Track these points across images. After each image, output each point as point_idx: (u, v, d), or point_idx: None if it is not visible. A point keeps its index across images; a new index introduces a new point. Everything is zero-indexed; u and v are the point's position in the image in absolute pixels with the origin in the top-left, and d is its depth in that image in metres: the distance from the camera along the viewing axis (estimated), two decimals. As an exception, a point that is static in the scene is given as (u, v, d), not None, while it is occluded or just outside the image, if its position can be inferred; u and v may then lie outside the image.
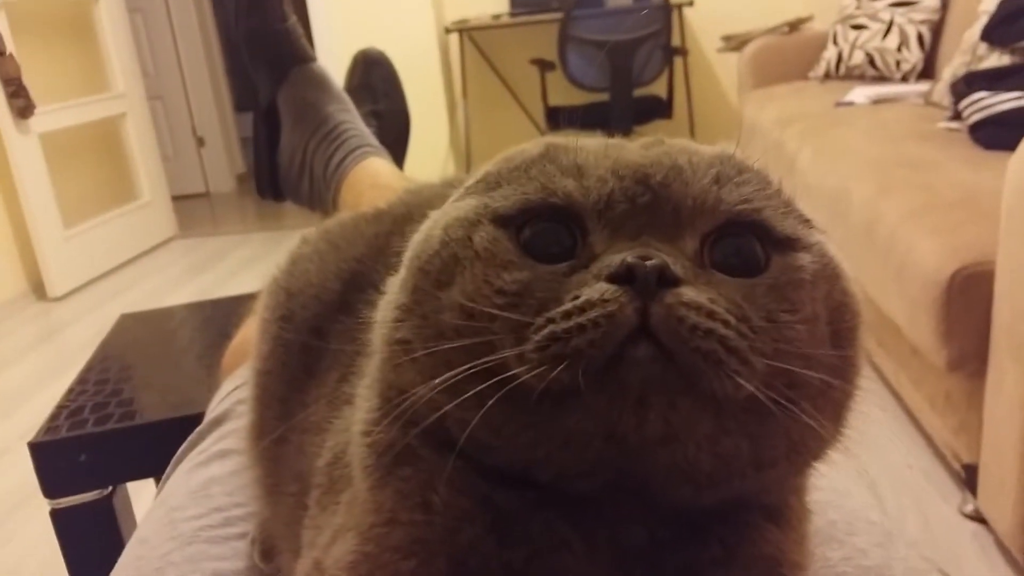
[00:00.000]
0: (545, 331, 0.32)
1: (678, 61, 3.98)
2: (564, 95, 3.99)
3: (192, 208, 5.08)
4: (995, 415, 1.39)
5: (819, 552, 0.52)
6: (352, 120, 1.36)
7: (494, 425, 0.34)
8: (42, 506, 1.06)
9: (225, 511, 0.65)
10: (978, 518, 1.52)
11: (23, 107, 3.38)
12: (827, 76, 3.27)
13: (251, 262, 3.85)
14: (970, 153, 1.96)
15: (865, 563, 0.52)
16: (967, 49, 2.39)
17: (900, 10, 3.06)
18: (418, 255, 0.38)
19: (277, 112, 1.38)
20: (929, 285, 1.46)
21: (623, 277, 0.32)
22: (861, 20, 3.18)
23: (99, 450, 1.13)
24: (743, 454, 0.34)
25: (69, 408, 1.19)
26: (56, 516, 1.07)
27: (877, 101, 2.74)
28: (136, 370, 1.32)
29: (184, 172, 5.40)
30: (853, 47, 3.16)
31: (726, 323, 0.31)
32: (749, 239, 0.36)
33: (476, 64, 4.52)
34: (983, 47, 2.27)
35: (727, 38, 3.85)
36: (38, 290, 3.58)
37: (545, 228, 0.36)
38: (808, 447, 0.36)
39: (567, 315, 0.32)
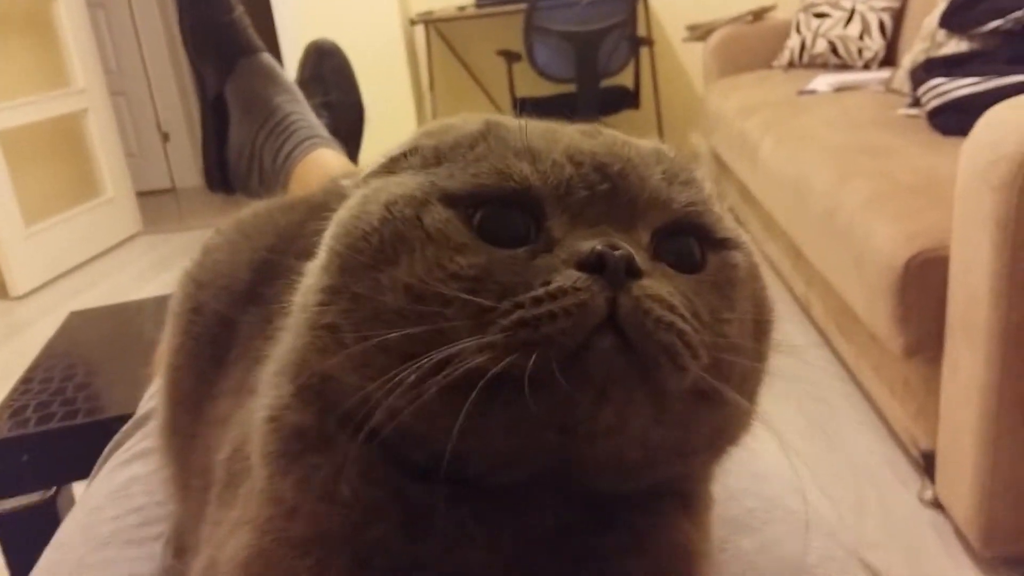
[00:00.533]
0: (513, 316, 0.31)
1: (644, 51, 3.97)
2: (532, 86, 3.98)
3: (158, 204, 5.03)
4: (951, 401, 1.40)
5: (733, 541, 0.51)
6: (301, 111, 1.33)
7: (430, 414, 0.32)
8: (-18, 510, 1.04)
9: (144, 511, 0.63)
10: (937, 505, 1.52)
11: (-21, 103, 3.32)
12: (791, 65, 3.28)
13: (216, 258, 3.80)
14: (929, 139, 1.97)
15: (779, 553, 0.51)
16: (926, 36, 2.39)
17: (862, -2, 3.08)
18: (347, 232, 0.36)
19: (225, 105, 1.36)
20: (886, 271, 1.46)
21: (593, 265, 0.32)
22: (823, 8, 3.19)
23: (42, 450, 1.11)
24: (672, 443, 0.34)
25: (12, 408, 1.16)
26: (-2, 519, 1.05)
27: (839, 89, 2.74)
28: (81, 368, 1.29)
29: (149, 168, 5.35)
30: (816, 35, 3.17)
31: (683, 317, 0.32)
32: (689, 237, 0.37)
33: (442, 56, 4.50)
34: (942, 33, 2.27)
35: (692, 27, 3.85)
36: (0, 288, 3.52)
37: (500, 212, 0.35)
38: (730, 432, 0.37)
39: (537, 301, 0.31)
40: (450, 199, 0.36)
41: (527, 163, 0.36)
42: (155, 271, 3.80)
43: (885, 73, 2.79)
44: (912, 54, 2.47)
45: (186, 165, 5.51)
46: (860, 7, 3.06)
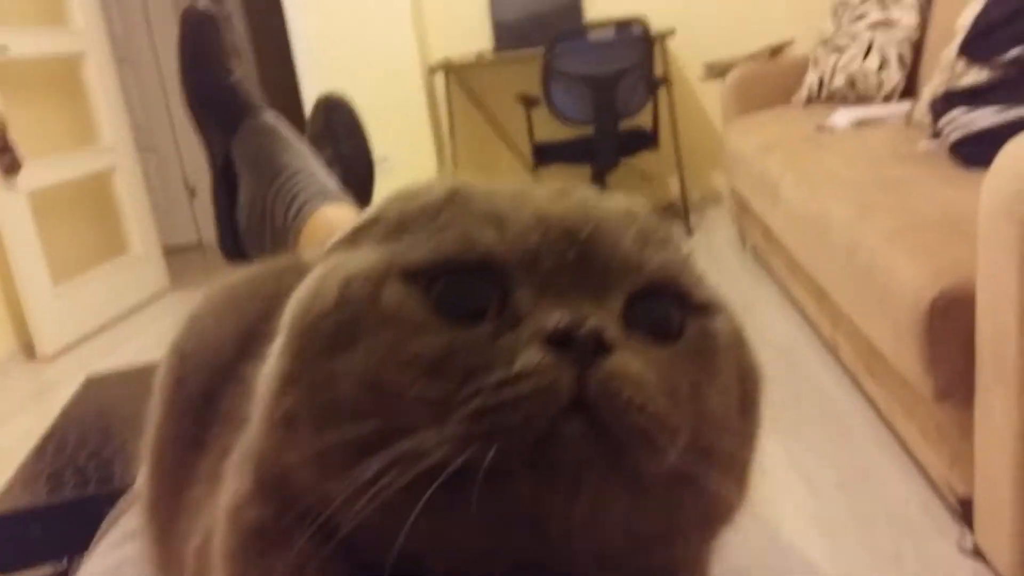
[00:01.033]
0: (473, 404, 0.29)
1: (662, 91, 3.97)
2: (551, 130, 3.98)
3: (185, 260, 5.06)
4: (986, 444, 1.34)
5: None
6: (309, 167, 1.33)
7: (390, 513, 0.30)
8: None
9: None
10: (978, 554, 1.46)
11: (9, 164, 3.36)
12: (810, 100, 3.25)
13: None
14: (951, 172, 1.93)
15: None
16: (946, 67, 2.36)
17: (879, 30, 3.05)
18: (303, 313, 0.34)
19: (234, 168, 1.36)
20: (911, 311, 1.41)
21: (560, 341, 0.30)
22: (841, 42, 3.17)
23: (53, 521, 1.10)
24: (655, 530, 0.32)
25: (24, 477, 1.16)
26: (7, 594, 1.04)
27: (859, 123, 2.71)
28: (95, 436, 1.28)
29: (176, 223, 5.39)
30: (834, 70, 3.14)
31: (657, 397, 0.30)
32: (666, 303, 0.35)
33: (462, 102, 4.52)
34: (961, 64, 2.24)
35: (710, 66, 3.85)
36: (27, 349, 3.54)
37: (461, 283, 0.33)
38: (717, 516, 0.35)
39: (499, 385, 0.29)
40: (410, 274, 0.33)
41: (492, 229, 0.34)
42: (181, 327, 3.81)
43: (905, 105, 2.75)
44: (932, 86, 2.43)
45: (212, 219, 5.55)
46: (878, 40, 3.04)
